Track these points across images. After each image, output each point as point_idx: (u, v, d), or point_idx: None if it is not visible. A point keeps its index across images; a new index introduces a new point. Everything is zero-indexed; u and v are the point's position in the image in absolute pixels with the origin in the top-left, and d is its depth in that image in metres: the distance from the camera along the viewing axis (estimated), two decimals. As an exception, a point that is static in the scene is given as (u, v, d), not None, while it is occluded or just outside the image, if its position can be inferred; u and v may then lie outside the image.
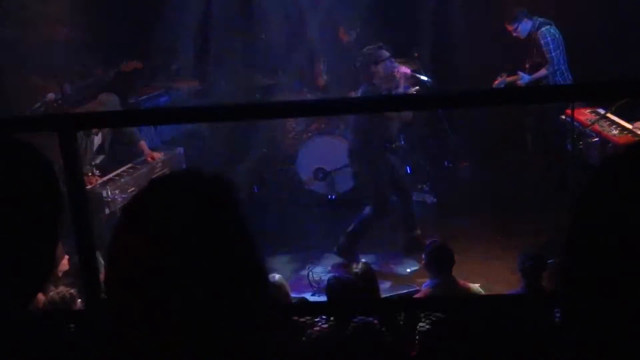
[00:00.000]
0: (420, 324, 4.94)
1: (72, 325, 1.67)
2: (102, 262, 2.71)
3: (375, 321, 4.70)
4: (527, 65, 9.17)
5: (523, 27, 9.03)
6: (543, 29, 8.95)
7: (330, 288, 5.11)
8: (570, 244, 1.30)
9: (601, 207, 1.26)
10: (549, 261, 5.78)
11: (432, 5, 10.14)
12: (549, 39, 8.90)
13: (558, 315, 3.63)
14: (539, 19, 9.04)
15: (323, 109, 4.19)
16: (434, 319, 4.84)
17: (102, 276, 2.51)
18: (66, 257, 5.46)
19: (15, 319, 1.55)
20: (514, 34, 9.11)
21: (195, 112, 3.78)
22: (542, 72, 8.98)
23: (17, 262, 1.54)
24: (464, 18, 10.05)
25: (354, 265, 5.28)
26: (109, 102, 8.16)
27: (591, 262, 1.25)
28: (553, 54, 8.89)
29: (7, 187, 1.55)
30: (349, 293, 4.96)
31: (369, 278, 5.37)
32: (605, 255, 1.23)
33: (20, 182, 1.57)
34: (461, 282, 5.90)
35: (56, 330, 1.62)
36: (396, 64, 7.96)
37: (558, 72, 8.95)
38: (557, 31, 8.96)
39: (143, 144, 8.65)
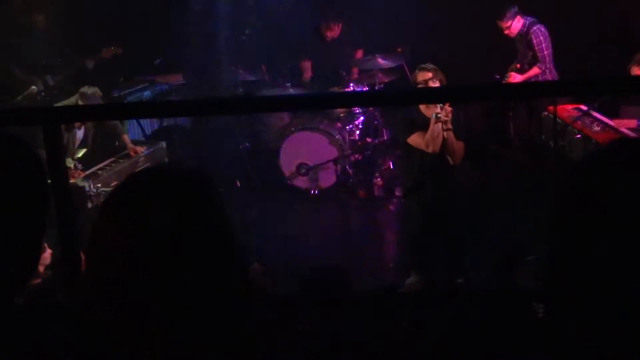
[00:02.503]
0: (402, 320, 4.95)
1: (53, 319, 1.66)
2: (83, 256, 2.71)
3: (358, 316, 4.70)
4: (518, 65, 9.20)
5: (515, 25, 9.06)
6: (535, 27, 8.98)
7: (303, 282, 5.10)
8: (552, 240, 1.31)
9: (583, 203, 1.27)
10: (527, 258, 5.81)
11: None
12: (541, 37, 8.94)
13: (537, 311, 3.65)
14: (529, 18, 9.07)
15: (310, 103, 4.18)
16: (415, 314, 4.86)
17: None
18: (49, 250, 5.43)
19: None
20: (506, 32, 9.13)
21: (179, 107, 3.77)
22: (535, 70, 9.01)
23: (3, 254, 1.53)
24: (453, 15, 10.07)
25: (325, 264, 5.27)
26: (91, 94, 8.13)
27: (573, 257, 1.26)
28: (545, 52, 8.94)
29: None
30: (323, 286, 4.95)
31: (341, 275, 5.35)
32: (588, 251, 1.24)
33: (7, 173, 1.56)
34: (444, 278, 5.92)
35: (38, 324, 1.61)
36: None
37: (547, 71, 9.00)
38: (547, 30, 9.00)
39: (126, 138, 8.64)
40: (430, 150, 6.56)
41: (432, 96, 4.46)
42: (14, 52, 9.61)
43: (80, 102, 7.95)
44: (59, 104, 8.30)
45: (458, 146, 6.63)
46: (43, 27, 9.70)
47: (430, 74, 6.56)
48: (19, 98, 9.24)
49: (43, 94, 9.47)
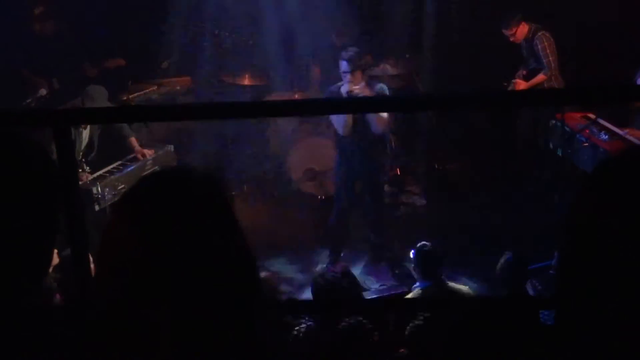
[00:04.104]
0: (409, 325, 4.95)
1: (63, 319, 1.67)
2: (91, 258, 2.71)
3: (365, 320, 4.70)
4: (524, 72, 9.20)
5: (520, 30, 9.09)
6: (539, 33, 9.00)
7: (316, 286, 5.09)
8: (565, 247, 1.31)
9: (597, 211, 1.27)
10: (531, 266, 5.81)
11: (428, 8, 10.16)
12: (545, 43, 8.95)
13: (544, 317, 3.65)
14: (534, 25, 9.09)
15: (318, 108, 4.19)
16: (422, 319, 4.85)
17: (92, 272, 2.51)
18: (55, 250, 5.44)
19: (11, 310, 1.55)
20: (511, 39, 9.15)
21: (187, 110, 3.77)
22: (541, 77, 9.02)
23: (18, 255, 1.54)
24: (460, 22, 10.07)
25: (334, 268, 5.26)
26: (97, 94, 8.11)
27: (587, 265, 1.26)
28: (550, 58, 8.95)
29: (9, 179, 1.55)
30: (334, 292, 4.94)
31: (351, 279, 5.34)
32: (601, 258, 1.23)
33: (20, 174, 1.57)
34: (450, 284, 5.91)
35: (48, 323, 1.62)
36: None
37: (553, 77, 9.00)
38: (551, 36, 9.01)
39: (134, 141, 8.61)
40: (344, 133, 7.33)
41: (440, 104, 4.44)
42: (22, 54, 9.65)
43: (86, 103, 7.94)
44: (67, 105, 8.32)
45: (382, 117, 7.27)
46: (52, 31, 9.73)
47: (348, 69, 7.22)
48: (28, 100, 9.26)
49: (48, 97, 9.49)
